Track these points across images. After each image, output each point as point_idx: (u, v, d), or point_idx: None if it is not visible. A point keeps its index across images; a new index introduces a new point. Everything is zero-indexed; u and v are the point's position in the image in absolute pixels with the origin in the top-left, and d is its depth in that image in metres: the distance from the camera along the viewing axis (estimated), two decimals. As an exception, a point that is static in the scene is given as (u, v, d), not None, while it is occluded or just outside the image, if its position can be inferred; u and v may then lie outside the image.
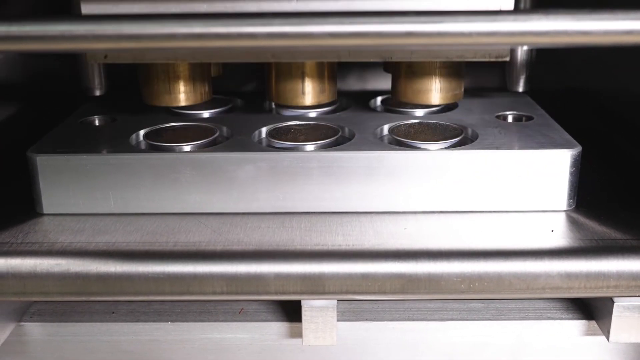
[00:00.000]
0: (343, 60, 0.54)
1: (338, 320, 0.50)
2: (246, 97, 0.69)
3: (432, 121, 0.60)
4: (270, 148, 0.55)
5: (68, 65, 0.69)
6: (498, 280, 0.46)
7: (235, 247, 0.48)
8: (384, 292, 0.46)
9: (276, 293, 0.46)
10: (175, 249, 0.48)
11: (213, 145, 0.55)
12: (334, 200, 0.53)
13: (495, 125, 0.58)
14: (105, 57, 0.54)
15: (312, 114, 0.63)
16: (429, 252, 0.47)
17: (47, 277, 0.46)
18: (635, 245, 0.47)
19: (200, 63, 0.60)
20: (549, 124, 0.59)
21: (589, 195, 0.55)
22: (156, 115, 0.64)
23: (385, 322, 0.53)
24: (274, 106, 0.67)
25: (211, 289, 0.46)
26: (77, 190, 0.53)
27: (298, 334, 0.52)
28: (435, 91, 0.59)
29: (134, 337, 0.54)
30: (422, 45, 0.40)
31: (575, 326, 0.53)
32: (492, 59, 0.53)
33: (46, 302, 0.56)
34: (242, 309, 0.55)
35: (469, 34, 0.39)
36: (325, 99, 0.61)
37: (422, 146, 0.54)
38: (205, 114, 0.64)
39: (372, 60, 0.57)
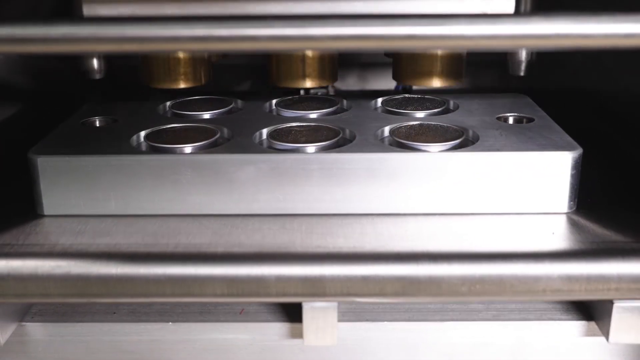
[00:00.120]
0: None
1: (339, 321, 0.50)
2: (247, 98, 0.69)
3: (433, 123, 0.60)
4: (271, 149, 0.55)
5: (69, 64, 0.69)
6: (499, 282, 0.46)
7: (236, 249, 0.48)
8: (385, 295, 0.46)
9: (277, 295, 0.46)
10: (176, 251, 0.48)
11: (214, 147, 0.55)
12: (335, 202, 0.53)
13: (496, 127, 0.58)
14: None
15: (313, 115, 0.63)
16: (429, 255, 0.47)
17: (48, 279, 0.46)
18: (636, 248, 0.47)
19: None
20: (550, 126, 0.58)
21: (590, 197, 0.55)
22: (157, 117, 0.64)
23: (385, 322, 0.53)
24: (274, 107, 0.67)
25: (212, 291, 0.46)
26: (78, 191, 0.53)
27: (299, 335, 0.52)
28: (436, 74, 0.59)
29: (135, 337, 0.54)
30: (423, 47, 0.40)
31: (575, 327, 0.53)
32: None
33: (47, 302, 0.56)
34: (243, 309, 0.55)
35: (470, 37, 0.39)
36: (325, 81, 0.61)
37: (423, 148, 0.54)
38: (206, 115, 0.64)
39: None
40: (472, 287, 0.46)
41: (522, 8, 0.62)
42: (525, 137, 0.55)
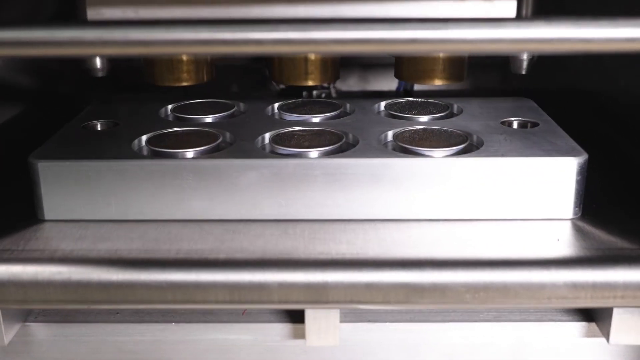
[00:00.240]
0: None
1: (341, 322, 0.50)
2: (249, 100, 0.69)
3: (437, 127, 0.60)
4: (274, 154, 0.54)
5: (71, 63, 0.69)
6: (504, 290, 0.45)
7: (238, 256, 0.47)
8: (388, 302, 0.45)
9: (279, 302, 0.46)
10: (178, 257, 0.47)
11: (216, 151, 0.55)
12: (338, 208, 0.52)
13: (500, 132, 0.58)
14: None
15: (316, 119, 0.63)
16: (433, 261, 0.46)
17: (48, 285, 0.45)
18: (642, 255, 0.47)
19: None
20: (555, 131, 0.58)
21: (594, 202, 0.55)
22: (159, 120, 0.63)
23: (387, 323, 0.53)
24: (277, 110, 0.66)
25: (214, 297, 0.45)
26: (79, 196, 0.52)
27: (301, 335, 0.52)
28: (438, 73, 0.59)
29: (138, 337, 0.53)
30: (425, 51, 0.40)
31: (576, 328, 0.53)
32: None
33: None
34: (245, 310, 0.54)
35: (472, 41, 0.39)
36: (327, 80, 0.61)
37: (426, 153, 0.54)
38: (208, 118, 0.64)
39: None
40: (477, 295, 0.45)
41: (524, 12, 0.62)
42: (530, 142, 0.55)
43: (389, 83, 0.86)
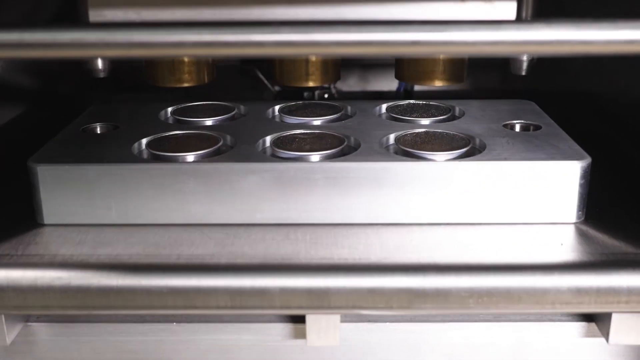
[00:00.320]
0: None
1: (341, 322, 0.50)
2: (249, 103, 0.68)
3: (439, 130, 0.59)
4: (275, 158, 0.54)
5: (72, 64, 0.68)
6: (507, 295, 0.45)
7: (239, 261, 0.47)
8: (391, 308, 0.45)
9: (281, 308, 0.45)
10: (178, 262, 0.47)
11: (216, 155, 0.55)
12: (340, 212, 0.52)
13: (502, 135, 0.58)
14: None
15: (317, 121, 0.63)
16: (436, 266, 0.46)
17: (48, 290, 0.45)
18: (647, 259, 0.47)
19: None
20: (557, 134, 0.58)
21: (597, 205, 0.54)
22: (159, 123, 0.63)
23: (387, 323, 0.53)
24: (278, 113, 0.66)
25: (215, 303, 0.45)
26: (79, 200, 0.52)
27: (302, 335, 0.51)
28: (439, 74, 0.59)
29: (139, 337, 0.53)
30: (426, 53, 0.40)
31: (575, 328, 0.53)
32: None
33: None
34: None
35: (473, 43, 0.38)
36: (328, 81, 0.61)
37: (429, 157, 0.54)
38: (209, 121, 0.63)
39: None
40: (480, 300, 0.45)
41: (524, 14, 0.62)
42: (533, 146, 0.55)
43: (390, 83, 0.86)
